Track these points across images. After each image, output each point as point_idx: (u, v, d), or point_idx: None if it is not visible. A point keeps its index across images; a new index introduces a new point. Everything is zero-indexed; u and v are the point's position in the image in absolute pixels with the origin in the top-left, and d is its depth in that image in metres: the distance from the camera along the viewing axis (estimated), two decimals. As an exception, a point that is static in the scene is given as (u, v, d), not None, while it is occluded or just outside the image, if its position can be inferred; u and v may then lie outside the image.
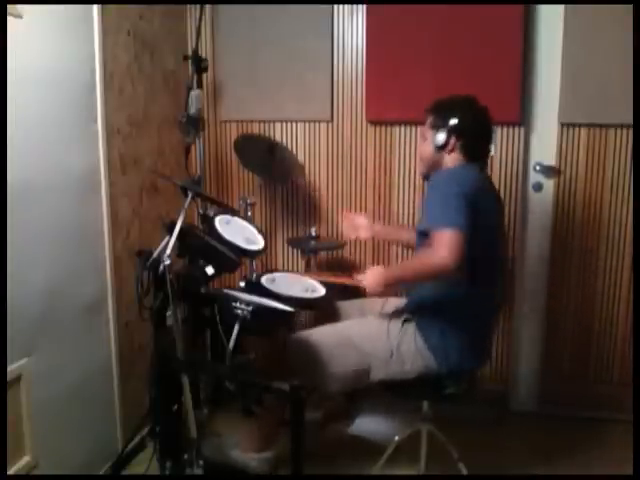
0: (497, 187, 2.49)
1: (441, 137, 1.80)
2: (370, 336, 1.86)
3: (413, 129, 2.58)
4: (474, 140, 1.83)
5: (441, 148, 1.81)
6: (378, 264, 2.66)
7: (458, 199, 1.63)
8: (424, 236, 1.72)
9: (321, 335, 1.89)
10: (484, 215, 1.69)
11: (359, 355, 1.83)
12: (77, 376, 1.95)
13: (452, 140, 1.80)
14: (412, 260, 1.74)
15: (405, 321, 1.86)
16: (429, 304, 1.83)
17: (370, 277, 1.77)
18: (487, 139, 1.88)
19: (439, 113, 1.82)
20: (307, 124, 2.71)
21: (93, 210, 2.04)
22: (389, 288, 1.82)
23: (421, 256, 1.70)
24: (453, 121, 1.78)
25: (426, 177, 1.96)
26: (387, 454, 2.02)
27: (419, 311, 1.85)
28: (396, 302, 2.05)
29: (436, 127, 1.81)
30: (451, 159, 1.82)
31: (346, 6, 2.58)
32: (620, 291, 2.55)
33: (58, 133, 1.84)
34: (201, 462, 1.79)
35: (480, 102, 1.83)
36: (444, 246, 1.58)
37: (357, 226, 2.15)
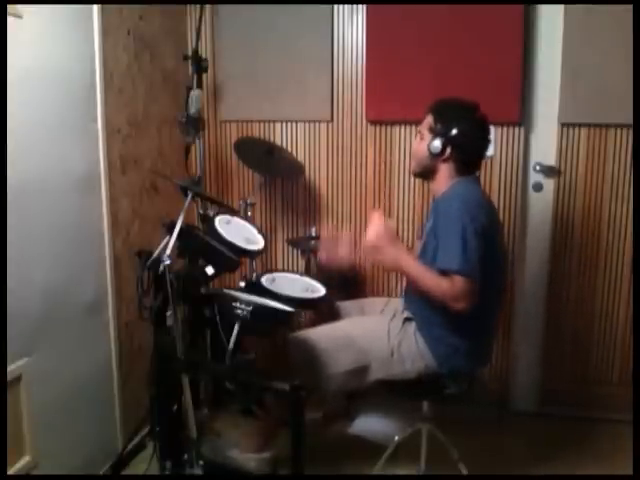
0: (497, 187, 2.55)
1: (437, 145, 1.78)
2: (371, 335, 1.86)
3: (413, 129, 2.57)
4: (470, 154, 1.82)
5: (436, 155, 1.80)
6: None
7: (475, 237, 1.64)
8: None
9: (321, 334, 1.88)
10: (492, 237, 1.70)
11: (359, 354, 1.83)
12: (77, 376, 1.95)
13: (448, 150, 1.78)
14: (433, 277, 1.69)
15: (406, 320, 1.86)
16: (429, 305, 1.83)
17: (375, 235, 1.74)
18: (483, 153, 1.87)
19: (440, 118, 1.79)
20: (307, 124, 2.71)
21: (93, 210, 2.04)
22: (390, 268, 1.85)
23: (442, 283, 1.66)
24: (452, 132, 1.76)
25: (417, 175, 1.96)
26: (387, 454, 2.02)
27: (419, 312, 1.85)
28: (397, 302, 2.05)
29: (434, 132, 1.79)
30: (446, 168, 1.81)
31: (346, 6, 2.58)
32: (620, 291, 2.55)
33: (58, 133, 1.84)
34: (201, 462, 1.79)
35: (481, 110, 1.80)
36: (463, 294, 1.63)
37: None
